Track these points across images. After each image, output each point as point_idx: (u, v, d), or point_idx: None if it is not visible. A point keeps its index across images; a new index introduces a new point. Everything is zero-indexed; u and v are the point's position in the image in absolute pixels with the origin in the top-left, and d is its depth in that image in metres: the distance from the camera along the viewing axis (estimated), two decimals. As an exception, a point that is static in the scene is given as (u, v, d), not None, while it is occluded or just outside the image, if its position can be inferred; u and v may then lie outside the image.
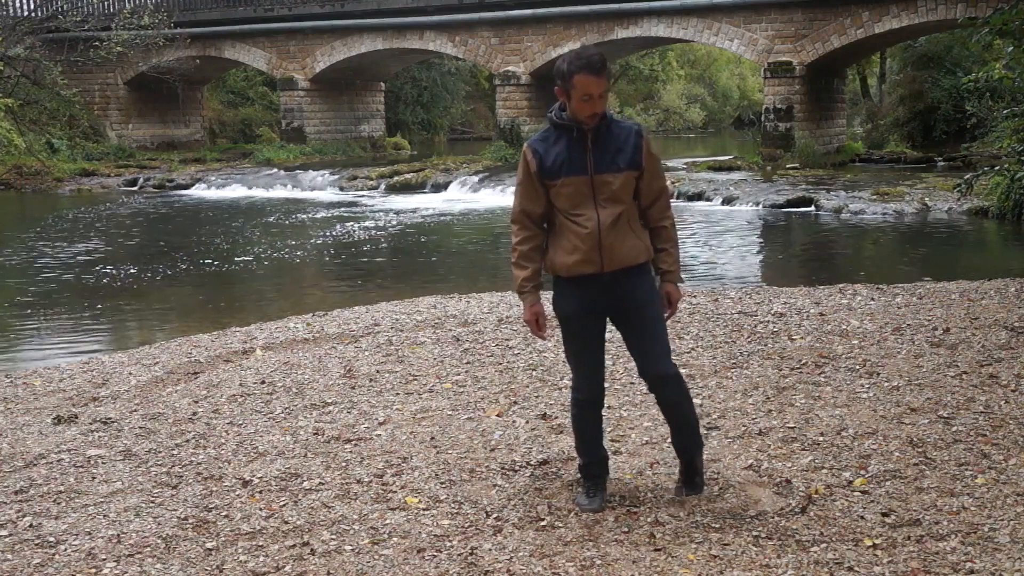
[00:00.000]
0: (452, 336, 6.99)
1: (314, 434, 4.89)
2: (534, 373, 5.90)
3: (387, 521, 3.82)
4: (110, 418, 5.32)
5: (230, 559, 3.55)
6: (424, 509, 3.93)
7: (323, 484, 4.22)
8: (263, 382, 5.94)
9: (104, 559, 3.58)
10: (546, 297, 3.89)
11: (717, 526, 3.68)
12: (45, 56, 25.28)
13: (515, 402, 5.33)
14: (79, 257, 13.27)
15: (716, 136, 44.87)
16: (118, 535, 3.77)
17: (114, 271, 11.88)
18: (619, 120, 3.76)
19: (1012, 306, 7.38)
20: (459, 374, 5.95)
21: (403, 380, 5.86)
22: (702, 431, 4.70)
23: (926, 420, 4.75)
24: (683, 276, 3.96)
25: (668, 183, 3.91)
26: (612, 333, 3.98)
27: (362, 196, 20.61)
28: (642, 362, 3.84)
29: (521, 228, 3.80)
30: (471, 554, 3.51)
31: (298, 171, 23.23)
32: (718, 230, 14.68)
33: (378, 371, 6.09)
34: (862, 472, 4.14)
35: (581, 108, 3.62)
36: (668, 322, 3.93)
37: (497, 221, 16.34)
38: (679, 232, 4.01)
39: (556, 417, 4.99)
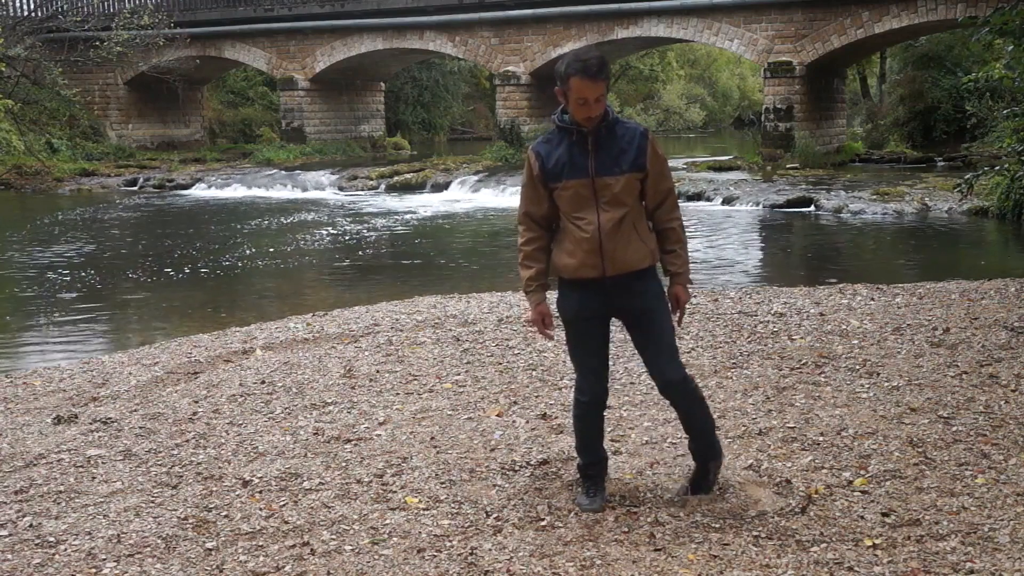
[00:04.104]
0: (452, 336, 6.99)
1: (314, 434, 4.89)
2: (534, 373, 5.90)
3: (387, 521, 3.82)
4: (110, 418, 5.32)
5: (230, 559, 3.55)
6: (424, 509, 3.93)
7: (323, 484, 4.22)
8: (263, 382, 5.94)
9: (104, 559, 3.58)
10: (552, 297, 3.88)
11: (717, 526, 3.68)
12: (45, 56, 25.26)
13: (515, 402, 5.33)
14: (79, 257, 13.27)
15: (716, 136, 44.86)
16: (118, 535, 3.77)
17: (114, 271, 11.88)
18: (624, 121, 3.75)
19: (1012, 306, 7.38)
20: (459, 374, 5.95)
21: (403, 380, 5.86)
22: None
23: (926, 420, 4.75)
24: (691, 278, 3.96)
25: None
26: (613, 334, 3.98)
27: (362, 196, 20.61)
28: (649, 367, 3.86)
29: (526, 229, 3.81)
30: (471, 554, 3.51)
31: (298, 171, 23.22)
32: (718, 230, 14.69)
33: (378, 371, 6.09)
34: (862, 472, 4.14)
35: (577, 111, 3.62)
36: (680, 320, 3.92)
37: (497, 221, 16.35)
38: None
39: (556, 417, 5.00)
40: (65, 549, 3.68)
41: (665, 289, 3.87)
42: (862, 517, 3.71)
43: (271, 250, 13.48)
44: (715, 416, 4.93)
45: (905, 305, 7.60)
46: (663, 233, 3.83)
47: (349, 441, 4.77)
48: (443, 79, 37.87)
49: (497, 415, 5.11)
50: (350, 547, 3.62)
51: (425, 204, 18.94)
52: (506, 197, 18.31)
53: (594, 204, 3.66)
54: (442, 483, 4.19)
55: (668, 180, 3.80)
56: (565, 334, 3.90)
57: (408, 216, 17.21)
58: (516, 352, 6.44)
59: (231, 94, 34.11)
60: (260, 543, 3.67)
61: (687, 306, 3.99)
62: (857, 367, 5.75)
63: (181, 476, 4.39)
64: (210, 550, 3.63)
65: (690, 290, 4.00)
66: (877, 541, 3.51)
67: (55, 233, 15.74)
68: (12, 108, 23.19)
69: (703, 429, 3.91)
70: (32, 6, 28.51)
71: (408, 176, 21.52)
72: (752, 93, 49.45)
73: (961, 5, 18.81)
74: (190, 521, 3.88)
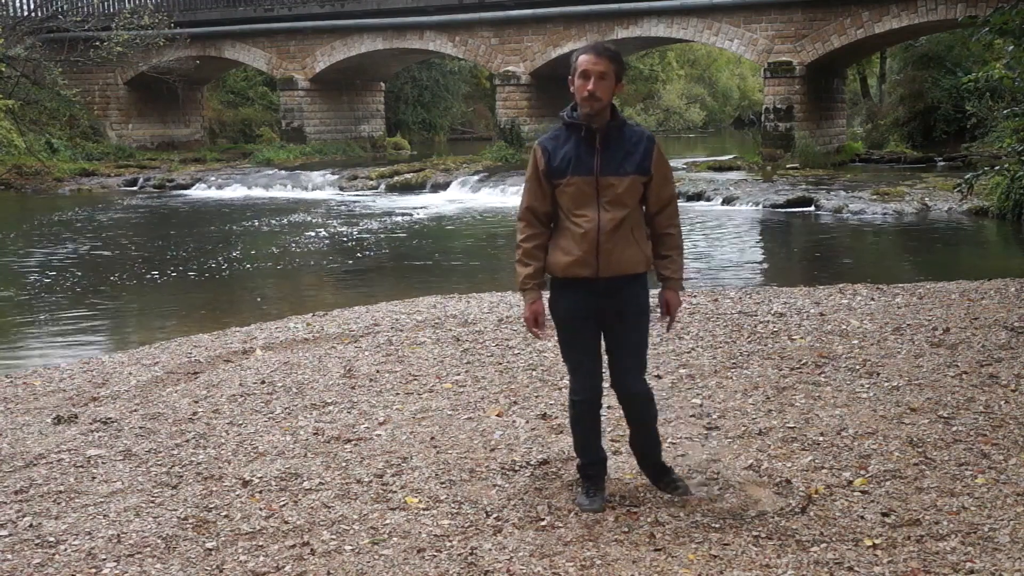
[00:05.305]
0: (452, 336, 6.99)
1: (314, 434, 4.89)
2: (534, 373, 5.90)
3: (387, 521, 3.82)
4: (110, 418, 5.32)
5: (230, 559, 3.55)
6: (424, 509, 3.93)
7: (323, 484, 4.22)
8: (263, 382, 5.94)
9: (104, 559, 3.58)
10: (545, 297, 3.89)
11: (717, 526, 3.68)
12: (45, 56, 25.27)
13: (515, 402, 5.33)
14: (79, 257, 13.27)
15: (716, 136, 44.87)
16: (118, 535, 3.77)
17: (114, 271, 11.88)
18: (632, 124, 3.78)
19: (1012, 306, 7.39)
20: (459, 374, 5.95)
21: (403, 380, 5.86)
22: (703, 431, 4.72)
23: (926, 420, 4.75)
24: (684, 285, 3.97)
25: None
26: (612, 333, 3.98)
27: (362, 196, 20.61)
28: (616, 376, 3.86)
29: (527, 225, 3.80)
30: (471, 554, 3.51)
31: (298, 171, 23.22)
32: (718, 230, 14.69)
33: (378, 371, 6.09)
34: (862, 472, 4.14)
35: (579, 88, 3.64)
36: (661, 328, 3.94)
37: (497, 221, 16.34)
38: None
39: (556, 417, 4.99)
40: (65, 549, 3.67)
41: (655, 296, 3.87)
42: (862, 517, 3.71)
43: (271, 250, 13.48)
44: (715, 416, 4.96)
45: (905, 305, 7.60)
46: (661, 238, 3.84)
47: (349, 441, 4.77)
48: (443, 79, 37.87)
49: (497, 415, 5.11)
50: (350, 547, 3.62)
51: (425, 204, 18.94)
52: (506, 197, 18.32)
53: (595, 203, 3.67)
54: (442, 483, 4.19)
55: (671, 186, 3.83)
56: (557, 334, 3.90)
57: (408, 216, 17.21)
58: (516, 352, 6.44)
59: (231, 94, 34.11)
60: (260, 543, 3.67)
61: (680, 310, 4.00)
62: (857, 367, 5.75)
63: (181, 476, 4.39)
64: (210, 550, 3.63)
65: (689, 289, 4.00)
66: (877, 541, 3.51)
67: (55, 233, 15.73)
68: (12, 108, 23.19)
69: (654, 433, 4.01)
70: (32, 6, 28.52)
71: (408, 176, 21.52)
72: (752, 93, 49.45)
73: (961, 5, 18.81)
74: (190, 521, 3.88)
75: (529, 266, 3.80)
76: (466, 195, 19.81)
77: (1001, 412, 4.83)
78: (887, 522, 3.66)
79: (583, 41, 22.47)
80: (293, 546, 3.63)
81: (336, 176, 22.23)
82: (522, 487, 4.11)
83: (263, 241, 14.47)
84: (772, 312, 7.46)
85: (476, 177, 20.72)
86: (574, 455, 4.10)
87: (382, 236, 14.83)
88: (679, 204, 3.97)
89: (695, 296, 8.09)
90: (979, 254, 12.89)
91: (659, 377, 5.61)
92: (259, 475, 4.34)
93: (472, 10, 24.20)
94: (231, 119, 33.10)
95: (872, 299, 7.93)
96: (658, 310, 3.92)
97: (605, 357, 3.90)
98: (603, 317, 3.81)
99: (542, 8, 23.28)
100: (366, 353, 6.60)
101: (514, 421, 5.00)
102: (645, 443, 4.00)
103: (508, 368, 6.04)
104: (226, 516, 3.92)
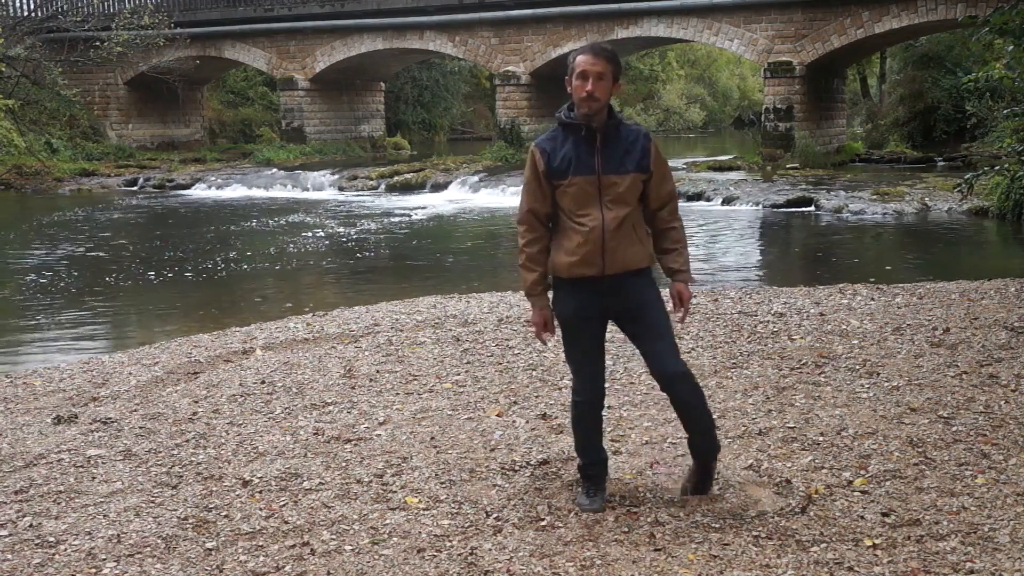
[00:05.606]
0: (452, 336, 6.99)
1: (314, 434, 4.89)
2: (534, 373, 5.90)
3: (387, 521, 3.82)
4: (110, 418, 5.32)
5: (230, 559, 3.55)
6: (424, 509, 3.93)
7: (323, 484, 4.22)
8: (263, 382, 5.94)
9: (104, 559, 3.58)
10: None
11: (717, 526, 3.68)
12: (45, 56, 25.27)
13: (515, 402, 5.33)
14: (79, 257, 13.27)
15: (716, 136, 44.86)
16: (118, 535, 3.77)
17: (114, 271, 11.88)
18: (627, 123, 3.78)
19: (1012, 306, 7.39)
20: (459, 374, 5.95)
21: (403, 380, 5.86)
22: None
23: (926, 420, 4.75)
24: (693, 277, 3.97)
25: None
26: (611, 334, 3.98)
27: (362, 196, 20.61)
28: (651, 362, 3.82)
29: (528, 229, 3.79)
30: (471, 554, 3.51)
31: (298, 171, 23.22)
32: (718, 230, 14.69)
33: (378, 371, 6.09)
34: (862, 472, 4.14)
35: (577, 89, 3.64)
36: (673, 321, 3.93)
37: (497, 221, 16.35)
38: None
39: (556, 417, 5.00)
40: (65, 549, 3.67)
41: (662, 290, 3.87)
42: (862, 517, 3.71)
43: (271, 250, 13.48)
44: (715, 416, 4.95)
45: (905, 305, 7.60)
46: (664, 233, 3.83)
47: (349, 441, 4.77)
48: (443, 79, 37.87)
49: (497, 415, 5.11)
50: (350, 547, 3.62)
51: (425, 204, 18.94)
52: (506, 197, 18.31)
53: (598, 202, 3.67)
54: (442, 483, 4.19)
55: (671, 183, 3.83)
56: (561, 334, 3.90)
57: (408, 216, 17.21)
58: (516, 352, 6.44)
59: (231, 94, 34.11)
60: (260, 543, 3.67)
61: (691, 302, 3.99)
62: (857, 367, 5.75)
63: (181, 476, 4.39)
64: (210, 550, 3.63)
65: (691, 289, 3.99)
66: (877, 541, 3.51)
67: (55, 233, 15.73)
68: (12, 108, 23.19)
69: (708, 424, 3.89)
70: (32, 6, 28.52)
71: (408, 176, 21.52)
72: (752, 93, 49.45)
73: (961, 5, 18.82)
74: (190, 521, 3.88)
75: (535, 272, 3.79)
76: (466, 195, 19.81)
77: (1001, 412, 4.83)
78: (887, 522, 3.66)
79: (583, 41, 22.47)
80: (293, 546, 3.63)
81: (336, 176, 22.23)
82: (522, 487, 4.11)
83: (263, 241, 14.47)
84: (772, 312, 7.46)
85: (476, 177, 20.72)
86: (574, 455, 4.10)
87: (382, 236, 14.83)
88: (679, 204, 3.97)
89: (695, 296, 8.09)
90: (979, 254, 12.89)
91: (659, 377, 5.60)
92: (259, 475, 4.34)
93: (472, 10, 24.20)
94: (231, 119, 33.09)
95: (872, 299, 7.93)
96: (669, 304, 3.91)
97: (632, 353, 3.87)
98: (608, 316, 3.81)
99: (542, 8, 23.28)
100: (366, 353, 6.60)
101: (514, 421, 5.00)
102: (701, 436, 3.84)
103: (508, 368, 6.05)
104: (226, 516, 3.92)
